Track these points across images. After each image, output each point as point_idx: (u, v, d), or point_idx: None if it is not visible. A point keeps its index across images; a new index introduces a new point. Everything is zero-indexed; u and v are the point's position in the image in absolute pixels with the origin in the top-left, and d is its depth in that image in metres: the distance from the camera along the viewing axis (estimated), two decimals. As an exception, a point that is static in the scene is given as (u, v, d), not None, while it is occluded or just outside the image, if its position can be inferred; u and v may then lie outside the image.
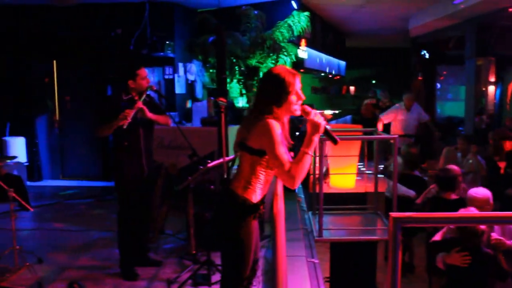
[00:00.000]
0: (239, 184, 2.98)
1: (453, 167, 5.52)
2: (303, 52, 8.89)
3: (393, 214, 1.93)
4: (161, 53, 8.42)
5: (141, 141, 4.77)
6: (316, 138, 2.80)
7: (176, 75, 8.61)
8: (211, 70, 8.96)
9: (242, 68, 6.46)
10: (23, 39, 9.05)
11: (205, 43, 6.46)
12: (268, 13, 7.10)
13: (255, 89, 6.76)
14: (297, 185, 2.79)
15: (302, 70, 10.51)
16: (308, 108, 2.87)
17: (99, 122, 4.77)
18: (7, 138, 8.88)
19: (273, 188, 6.56)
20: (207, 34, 6.66)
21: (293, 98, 2.87)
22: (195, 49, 7.71)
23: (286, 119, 2.97)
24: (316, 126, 2.79)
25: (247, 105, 6.59)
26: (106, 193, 8.37)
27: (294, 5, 8.17)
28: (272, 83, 2.90)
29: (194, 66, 8.97)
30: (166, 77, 8.55)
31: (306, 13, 6.60)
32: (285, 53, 6.53)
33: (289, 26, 6.66)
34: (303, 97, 2.92)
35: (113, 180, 8.88)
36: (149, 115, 4.69)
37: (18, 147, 8.84)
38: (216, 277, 4.56)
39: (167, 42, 8.39)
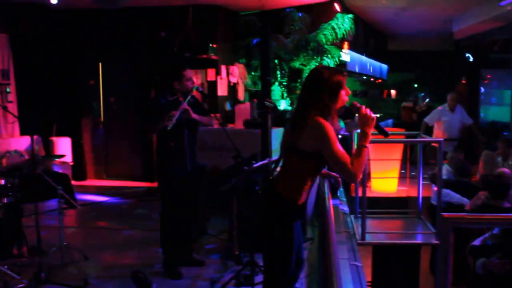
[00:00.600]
0: (285, 186, 2.99)
1: (507, 172, 5.31)
2: (346, 55, 8.83)
3: (445, 214, 1.89)
4: (204, 56, 8.50)
5: (185, 142, 4.82)
6: (369, 131, 2.86)
7: (218, 78, 8.68)
8: (253, 73, 8.98)
9: (285, 71, 6.46)
10: (69, 42, 9.28)
11: (249, 45, 6.49)
12: (311, 16, 7.07)
13: (298, 92, 6.74)
14: (359, 179, 2.84)
15: (344, 73, 10.41)
16: (358, 104, 2.92)
17: (144, 123, 4.85)
18: (54, 138, 9.12)
19: (315, 190, 6.54)
20: (251, 37, 6.70)
21: (343, 93, 2.92)
22: (239, 51, 7.76)
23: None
24: (368, 119, 2.86)
25: (290, 108, 6.59)
26: (148, 194, 8.50)
27: (337, 7, 8.12)
28: (323, 82, 2.91)
29: (236, 69, 9.02)
30: (209, 79, 8.63)
31: (350, 16, 6.56)
32: (329, 55, 6.50)
33: (333, 28, 6.62)
34: (349, 92, 2.97)
35: (155, 180, 9.05)
36: (194, 116, 4.73)
37: (64, 147, 9.07)
38: (259, 278, 4.56)
39: (210, 45, 8.47)
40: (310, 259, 5.30)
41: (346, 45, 8.85)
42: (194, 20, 8.58)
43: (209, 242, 5.90)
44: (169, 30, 8.69)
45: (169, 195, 4.90)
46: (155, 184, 9.11)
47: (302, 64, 6.56)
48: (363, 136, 2.86)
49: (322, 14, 7.80)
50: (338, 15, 6.70)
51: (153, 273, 5.03)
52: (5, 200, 4.81)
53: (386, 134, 2.95)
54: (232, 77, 8.96)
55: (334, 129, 2.87)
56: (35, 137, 8.44)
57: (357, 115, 2.92)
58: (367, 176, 6.40)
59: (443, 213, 1.86)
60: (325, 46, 6.50)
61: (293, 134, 2.95)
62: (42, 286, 4.63)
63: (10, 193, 4.84)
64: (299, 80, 6.58)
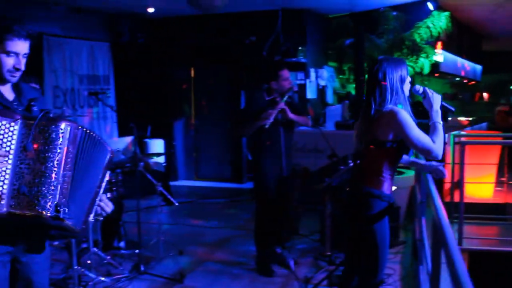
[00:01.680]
0: (370, 179, 3.04)
1: None
2: (439, 55, 8.57)
3: None
4: (294, 59, 8.55)
5: (282, 142, 4.89)
6: (437, 108, 3.01)
7: (307, 80, 8.71)
8: (341, 76, 8.91)
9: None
10: (165, 48, 9.65)
11: (341, 47, 6.44)
12: (405, 14, 6.90)
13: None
14: (441, 156, 2.93)
15: (437, 74, 10.11)
16: (420, 88, 3.09)
17: (242, 122, 4.96)
18: (148, 140, 9.50)
19: (407, 193, 6.41)
20: (343, 38, 6.66)
21: (407, 81, 3.05)
22: (329, 53, 7.72)
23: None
24: (435, 99, 3.02)
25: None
26: (238, 194, 8.68)
27: (430, 6, 7.91)
28: (389, 72, 3.01)
29: (325, 72, 9.01)
30: (298, 82, 8.66)
31: (446, 13, 6.35)
32: (424, 55, 6.32)
33: (428, 27, 6.43)
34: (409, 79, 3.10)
35: (244, 182, 9.20)
36: (291, 115, 4.80)
37: (157, 148, 9.42)
38: (353, 278, 4.53)
39: (300, 48, 8.52)
40: (404, 262, 5.21)
41: (439, 45, 8.59)
42: (284, 24, 8.67)
43: (300, 242, 5.93)
44: (259, 35, 8.83)
45: (264, 194, 4.97)
46: (244, 185, 9.29)
47: (395, 64, 6.41)
48: (436, 114, 2.99)
49: (413, 13, 7.60)
50: (434, 12, 6.50)
51: (246, 269, 5.14)
52: (109, 195, 5.05)
53: (451, 110, 3.16)
54: (320, 80, 8.96)
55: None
56: (132, 138, 8.90)
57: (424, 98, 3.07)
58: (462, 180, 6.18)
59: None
60: (421, 45, 6.32)
61: (370, 127, 3.01)
62: (141, 277, 4.86)
63: (114, 188, 5.08)
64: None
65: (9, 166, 2.20)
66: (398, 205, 5.90)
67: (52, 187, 2.22)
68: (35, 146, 2.22)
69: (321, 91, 9.11)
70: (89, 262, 4.72)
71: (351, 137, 5.90)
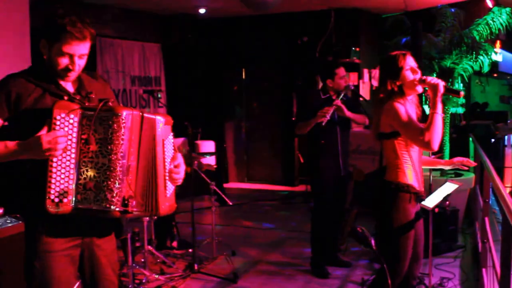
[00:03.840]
0: (389, 172, 3.12)
1: None
2: (498, 54, 8.29)
3: None
4: (347, 59, 8.44)
5: (338, 140, 4.83)
6: (439, 99, 2.93)
7: (361, 81, 8.59)
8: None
9: (436, 70, 6.17)
10: (215, 49, 9.68)
11: (396, 46, 6.30)
12: (464, 11, 6.70)
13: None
14: (436, 147, 2.90)
15: (495, 75, 9.77)
16: (423, 77, 3.05)
17: (297, 120, 4.92)
18: (199, 142, 9.55)
19: (465, 196, 6.20)
20: (399, 36, 6.52)
21: (407, 73, 3.05)
22: (383, 53, 7.54)
23: (414, 100, 3.15)
24: (435, 87, 2.93)
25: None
26: (290, 197, 8.62)
27: (489, 3, 7.64)
28: (384, 64, 3.15)
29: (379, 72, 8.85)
30: (351, 83, 8.55)
31: (507, 9, 6.12)
32: (483, 53, 6.09)
33: (487, 24, 6.21)
34: (419, 71, 3.09)
35: (295, 184, 9.13)
36: (348, 113, 4.73)
37: (208, 149, 9.45)
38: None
39: (353, 48, 8.40)
40: (464, 267, 5.03)
41: (498, 43, 8.30)
42: (336, 24, 8.58)
43: (355, 245, 5.81)
44: (312, 35, 8.76)
45: (321, 193, 4.90)
46: (296, 188, 9.21)
47: (453, 63, 6.22)
48: (434, 105, 2.94)
49: (474, 9, 7.37)
50: (495, 8, 6.28)
51: (301, 271, 5.08)
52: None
53: (457, 92, 3.09)
54: (374, 80, 8.81)
55: (411, 110, 3.05)
56: (183, 139, 8.98)
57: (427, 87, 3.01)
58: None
59: None
60: (480, 43, 6.10)
61: (377, 122, 3.14)
62: (195, 276, 4.86)
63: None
64: (450, 80, 6.26)
65: (73, 161, 2.16)
66: (456, 208, 5.72)
67: (118, 180, 2.18)
68: (97, 138, 2.16)
69: (374, 92, 8.94)
70: (143, 260, 4.77)
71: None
